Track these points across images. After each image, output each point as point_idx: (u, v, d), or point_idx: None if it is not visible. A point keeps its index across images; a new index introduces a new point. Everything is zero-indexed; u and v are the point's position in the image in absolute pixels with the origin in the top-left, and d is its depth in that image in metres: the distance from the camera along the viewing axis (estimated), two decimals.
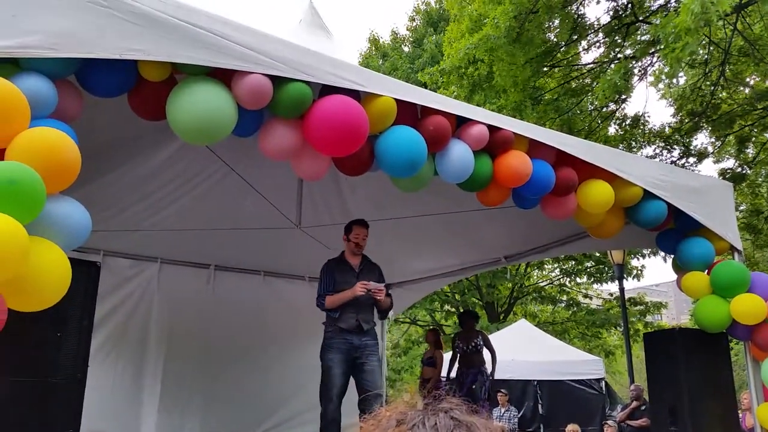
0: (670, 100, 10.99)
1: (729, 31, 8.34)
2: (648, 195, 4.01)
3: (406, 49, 18.75)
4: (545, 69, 9.93)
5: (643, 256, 15.44)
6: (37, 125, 2.24)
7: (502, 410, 10.45)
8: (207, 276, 6.54)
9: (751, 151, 11.42)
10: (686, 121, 10.63)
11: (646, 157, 10.19)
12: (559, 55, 9.88)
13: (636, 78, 9.72)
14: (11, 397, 2.52)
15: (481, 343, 7.46)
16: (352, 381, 4.81)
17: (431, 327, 17.68)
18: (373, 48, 19.32)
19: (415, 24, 18.76)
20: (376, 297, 4.72)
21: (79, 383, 2.77)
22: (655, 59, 9.28)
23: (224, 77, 2.70)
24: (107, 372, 5.79)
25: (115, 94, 2.73)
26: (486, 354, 7.52)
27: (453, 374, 7.94)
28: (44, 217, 2.15)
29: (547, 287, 18.38)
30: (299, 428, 6.70)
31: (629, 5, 9.17)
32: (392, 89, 3.15)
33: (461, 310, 12.86)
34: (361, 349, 4.77)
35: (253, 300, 6.68)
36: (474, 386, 7.19)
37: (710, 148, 11.40)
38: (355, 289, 4.67)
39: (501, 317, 17.11)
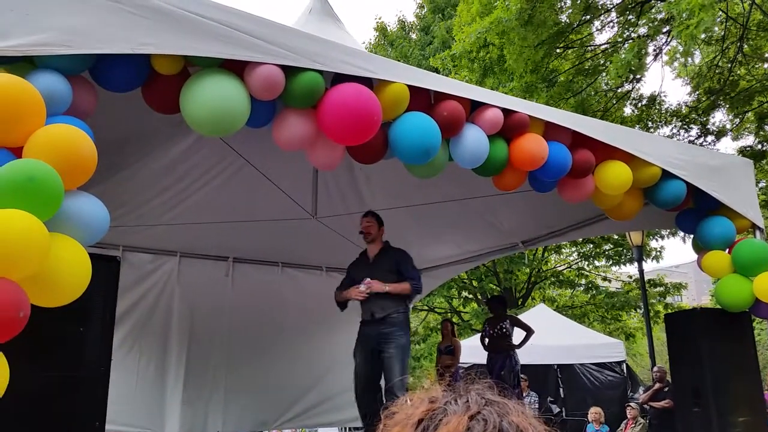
0: (686, 78, 10.80)
1: (747, 5, 8.17)
2: (666, 175, 3.96)
3: (414, 36, 18.58)
4: (558, 50, 9.80)
5: (662, 237, 15.27)
6: (52, 122, 2.25)
7: (523, 395, 10.44)
8: (226, 268, 6.59)
9: None
10: (703, 99, 10.45)
11: (664, 136, 10.05)
12: (571, 36, 9.73)
13: (650, 57, 9.57)
14: (37, 393, 2.56)
15: (508, 326, 7.40)
16: None
17: (447, 315, 17.69)
18: (381, 36, 19.16)
19: (423, 12, 18.58)
20: (374, 291, 4.72)
21: (103, 377, 2.80)
22: (669, 38, 9.13)
23: (237, 68, 2.70)
24: (131, 365, 5.88)
25: (129, 89, 2.75)
26: (517, 339, 7.50)
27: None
28: (63, 213, 2.17)
29: (565, 271, 18.25)
30: (318, 417, 6.79)
31: None
32: (404, 75, 3.12)
33: (489, 297, 12.83)
34: (378, 338, 4.78)
35: (271, 291, 6.73)
36: (503, 372, 7.16)
37: (729, 126, 11.20)
38: (350, 293, 4.84)
39: (519, 302, 17.04)
